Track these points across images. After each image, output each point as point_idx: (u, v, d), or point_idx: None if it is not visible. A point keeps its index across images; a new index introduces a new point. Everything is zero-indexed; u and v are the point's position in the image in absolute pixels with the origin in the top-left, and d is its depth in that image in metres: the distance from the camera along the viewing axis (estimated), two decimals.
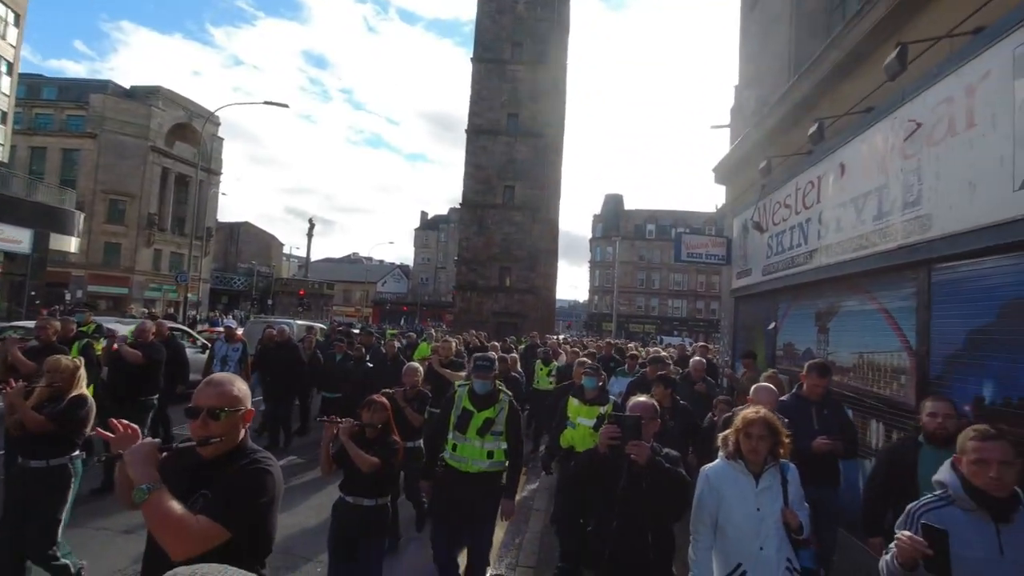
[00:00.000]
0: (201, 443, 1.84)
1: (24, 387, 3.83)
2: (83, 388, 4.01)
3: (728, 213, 11.78)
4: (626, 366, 8.67)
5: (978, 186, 3.98)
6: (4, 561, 3.77)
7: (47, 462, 3.84)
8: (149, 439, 1.82)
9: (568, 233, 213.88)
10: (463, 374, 6.61)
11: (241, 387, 1.95)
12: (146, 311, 18.30)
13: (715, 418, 5.15)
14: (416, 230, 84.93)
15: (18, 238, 17.43)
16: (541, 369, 10.16)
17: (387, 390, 4.89)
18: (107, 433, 1.84)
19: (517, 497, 5.17)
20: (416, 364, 5.72)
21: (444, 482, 4.10)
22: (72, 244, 20.35)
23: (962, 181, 4.14)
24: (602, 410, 4.88)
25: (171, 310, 38.29)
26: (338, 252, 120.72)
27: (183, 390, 7.47)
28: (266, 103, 20.84)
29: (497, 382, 4.28)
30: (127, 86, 46.91)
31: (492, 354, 4.24)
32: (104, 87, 45.54)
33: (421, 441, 5.21)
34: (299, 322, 14.80)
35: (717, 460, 2.89)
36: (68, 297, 33.58)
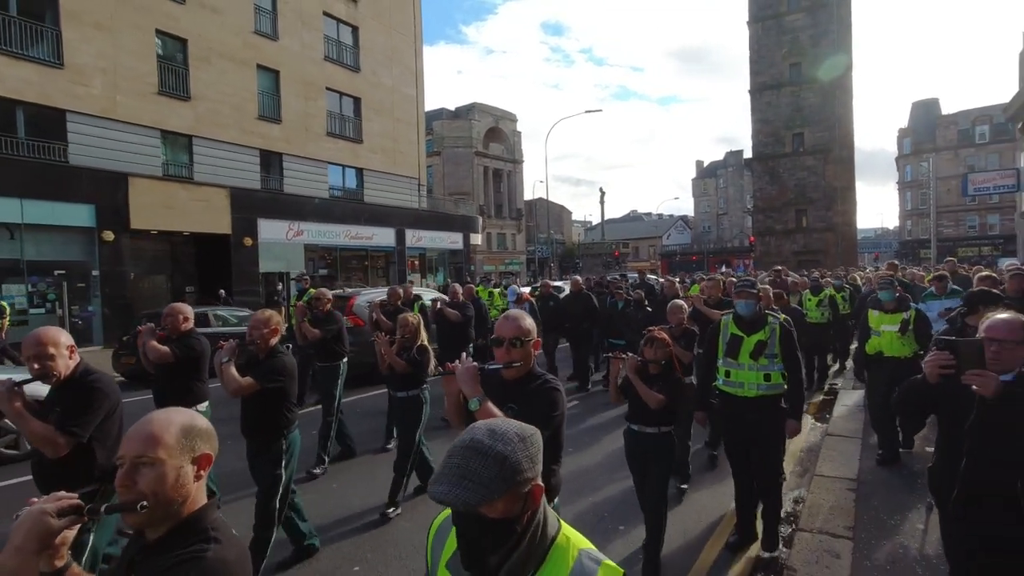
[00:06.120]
0: (506, 366, 2.32)
1: (389, 339, 4.83)
2: (425, 339, 4.94)
3: (1017, 148, 13.02)
4: (933, 288, 7.16)
5: None
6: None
7: (407, 393, 4.83)
8: (471, 363, 2.31)
9: (861, 150, 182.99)
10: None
11: (530, 322, 2.40)
12: (468, 280, 24.90)
13: None
14: (693, 180, 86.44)
15: (455, 239, 28.12)
16: (810, 300, 8.87)
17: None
18: (452, 365, 2.34)
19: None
20: (681, 302, 5.63)
21: (724, 410, 4.09)
22: (479, 239, 31.17)
23: None
24: (905, 315, 5.18)
25: (493, 279, 48.94)
26: (611, 211, 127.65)
27: (483, 343, 8.86)
28: (587, 112, 27.30)
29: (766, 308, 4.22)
30: (452, 108, 59.80)
31: (753, 278, 4.15)
32: (440, 114, 58.91)
33: (693, 378, 5.15)
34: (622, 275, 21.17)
35: None
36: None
